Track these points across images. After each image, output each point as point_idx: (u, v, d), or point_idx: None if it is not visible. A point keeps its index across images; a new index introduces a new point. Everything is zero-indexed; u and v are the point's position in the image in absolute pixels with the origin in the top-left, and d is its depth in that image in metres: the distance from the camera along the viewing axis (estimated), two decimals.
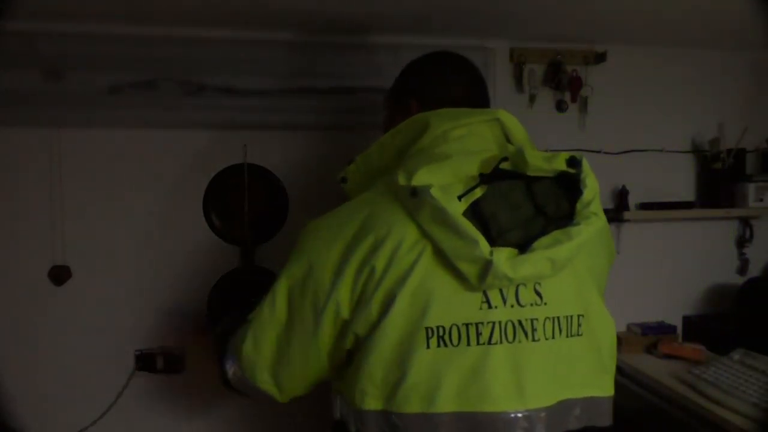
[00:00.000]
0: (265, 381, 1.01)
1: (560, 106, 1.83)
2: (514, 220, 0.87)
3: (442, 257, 0.86)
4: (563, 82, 1.80)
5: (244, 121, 1.65)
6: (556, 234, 0.86)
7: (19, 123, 1.56)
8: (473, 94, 1.10)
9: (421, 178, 0.87)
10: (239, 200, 1.67)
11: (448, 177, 0.88)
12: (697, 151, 1.95)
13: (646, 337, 1.83)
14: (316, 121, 1.68)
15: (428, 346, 0.86)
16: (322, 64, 1.66)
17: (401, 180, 0.89)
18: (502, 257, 0.83)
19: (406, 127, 1.02)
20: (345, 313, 0.91)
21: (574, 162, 0.89)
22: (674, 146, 1.93)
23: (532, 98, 1.79)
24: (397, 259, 0.87)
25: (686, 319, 1.96)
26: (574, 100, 1.83)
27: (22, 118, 1.56)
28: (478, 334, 0.87)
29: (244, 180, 1.67)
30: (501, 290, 0.88)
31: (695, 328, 1.93)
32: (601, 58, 1.81)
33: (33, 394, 1.58)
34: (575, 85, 1.81)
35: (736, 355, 1.60)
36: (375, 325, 0.88)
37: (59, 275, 1.60)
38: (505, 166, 0.89)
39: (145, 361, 1.64)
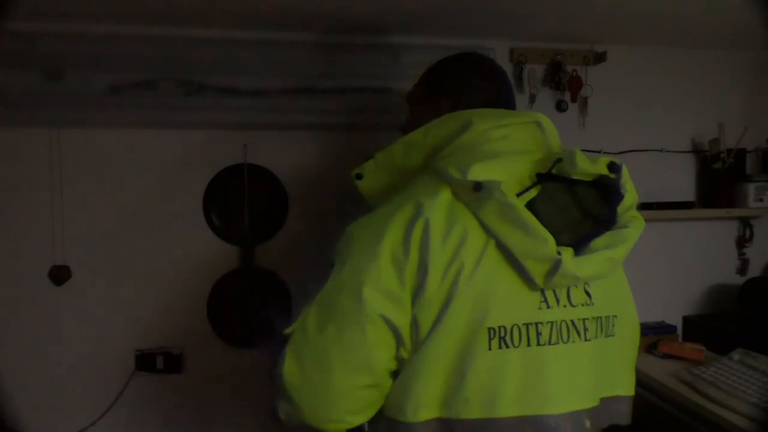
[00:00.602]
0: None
1: (560, 106, 1.83)
2: (564, 221, 0.88)
3: (505, 254, 0.85)
4: (563, 82, 1.80)
5: (244, 121, 1.65)
6: (609, 236, 0.88)
7: (19, 123, 1.56)
8: (503, 96, 1.10)
9: (477, 173, 0.85)
10: (239, 200, 1.68)
11: (503, 174, 0.87)
12: (697, 151, 1.95)
13: (646, 337, 1.83)
14: (316, 121, 1.68)
15: (490, 348, 0.84)
16: (322, 64, 1.66)
17: (455, 174, 0.87)
18: (569, 256, 0.84)
19: (443, 124, 0.99)
20: (401, 316, 0.86)
21: (615, 167, 0.90)
22: (674, 146, 1.94)
23: (532, 98, 1.79)
24: (461, 255, 0.84)
25: (686, 319, 1.96)
26: (574, 100, 1.83)
27: (22, 118, 1.55)
28: (538, 335, 0.87)
29: (244, 180, 1.67)
30: (554, 290, 0.88)
31: (695, 328, 1.93)
32: (601, 58, 1.81)
33: (33, 394, 1.58)
34: (575, 85, 1.81)
35: (736, 355, 1.60)
36: (433, 327, 0.85)
37: (59, 275, 1.60)
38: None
39: (145, 361, 1.65)
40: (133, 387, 1.65)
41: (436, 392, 0.86)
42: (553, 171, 0.89)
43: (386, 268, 0.86)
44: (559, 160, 0.89)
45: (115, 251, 1.64)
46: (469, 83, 1.09)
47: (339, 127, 1.71)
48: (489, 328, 0.84)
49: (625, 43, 1.83)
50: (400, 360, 0.88)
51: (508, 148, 0.94)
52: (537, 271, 0.84)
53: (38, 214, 1.59)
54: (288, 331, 0.92)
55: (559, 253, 0.82)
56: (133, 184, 1.64)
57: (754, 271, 2.01)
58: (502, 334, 0.85)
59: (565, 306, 0.89)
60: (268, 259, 1.71)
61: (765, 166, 1.95)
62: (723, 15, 1.55)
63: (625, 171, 0.91)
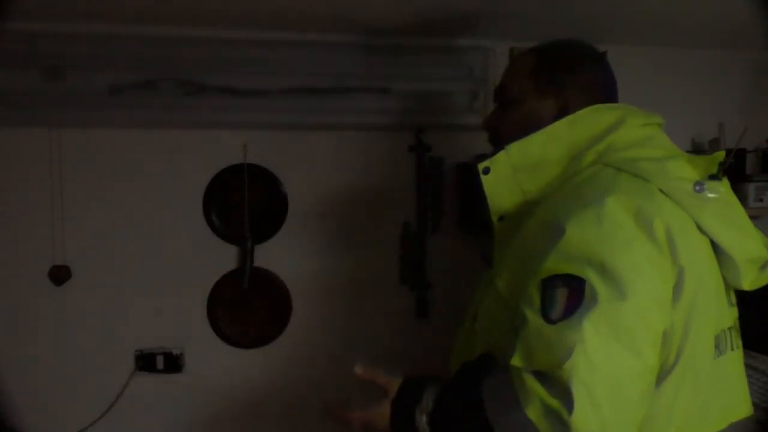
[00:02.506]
0: None
1: None
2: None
3: (718, 254, 0.83)
4: None
5: (244, 121, 1.65)
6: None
7: (19, 123, 1.56)
8: (617, 89, 1.07)
9: (677, 173, 0.84)
10: (239, 200, 1.67)
11: (694, 174, 0.85)
12: (697, 151, 1.95)
13: None
14: (317, 121, 1.68)
15: (714, 357, 0.81)
16: (322, 64, 1.66)
17: (677, 172, 0.85)
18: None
19: (592, 117, 0.94)
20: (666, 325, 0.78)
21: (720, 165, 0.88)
22: None
23: None
24: (694, 256, 0.80)
25: None
26: None
27: (22, 118, 1.55)
28: (731, 340, 0.85)
29: (244, 180, 1.67)
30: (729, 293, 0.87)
31: None
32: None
33: (33, 394, 1.58)
34: None
35: None
36: (685, 335, 0.78)
37: (59, 275, 1.60)
38: None
39: (145, 361, 1.65)
40: (133, 387, 1.65)
41: (683, 414, 0.80)
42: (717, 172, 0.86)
43: (654, 276, 0.78)
44: (723, 161, 0.86)
45: (115, 251, 1.64)
46: (605, 78, 1.05)
47: (339, 127, 1.71)
48: (716, 336, 0.82)
49: (625, 43, 1.83)
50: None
51: (668, 148, 0.93)
52: (748, 272, 0.82)
53: (38, 214, 1.59)
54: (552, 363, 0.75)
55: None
56: (133, 184, 1.64)
57: None
58: (717, 342, 0.82)
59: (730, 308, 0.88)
60: (268, 259, 1.70)
61: (765, 166, 1.95)
62: (723, 15, 1.55)
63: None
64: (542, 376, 0.76)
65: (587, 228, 0.80)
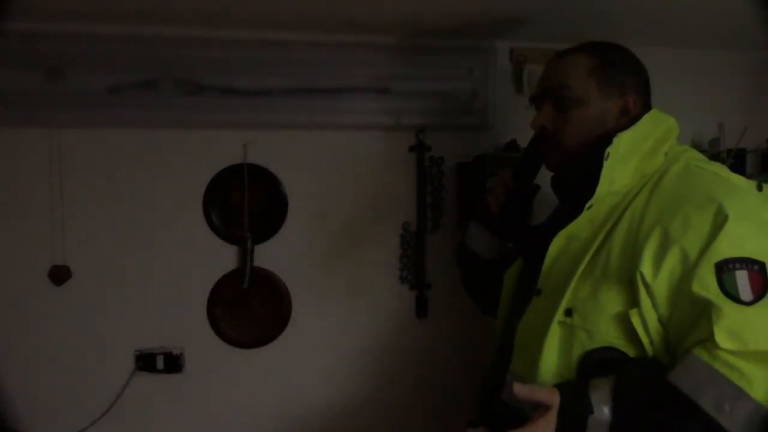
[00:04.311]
0: None
1: None
2: None
3: None
4: None
5: (244, 121, 1.65)
6: None
7: (19, 123, 1.56)
8: None
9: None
10: (239, 200, 1.67)
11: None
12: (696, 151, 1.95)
13: None
14: (317, 121, 1.68)
15: None
16: (323, 63, 1.66)
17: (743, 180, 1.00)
18: None
19: (658, 118, 1.07)
20: None
21: None
22: None
23: None
24: None
25: None
26: None
27: (22, 118, 1.55)
28: None
29: (244, 180, 1.67)
30: None
31: None
32: None
33: (33, 395, 1.58)
34: None
35: None
36: None
37: (59, 275, 1.60)
38: None
39: (145, 361, 1.65)
40: (133, 387, 1.65)
41: None
42: None
43: None
44: None
45: (115, 251, 1.64)
46: (647, 81, 1.12)
47: (339, 127, 1.71)
48: None
49: (625, 43, 1.82)
50: None
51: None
52: None
53: (38, 214, 1.59)
54: None
55: None
56: (133, 184, 1.64)
57: None
58: None
59: None
60: (268, 259, 1.70)
61: (765, 166, 1.95)
62: (723, 15, 1.55)
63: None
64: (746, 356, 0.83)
65: (751, 213, 0.91)
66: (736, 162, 1.88)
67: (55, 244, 1.60)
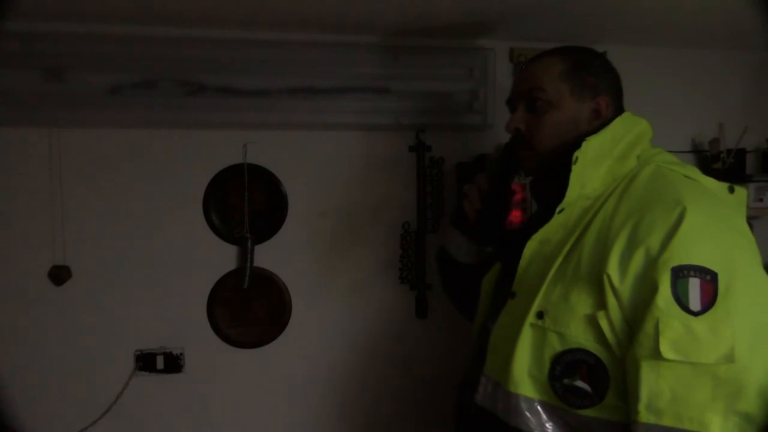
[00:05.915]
0: None
1: None
2: None
3: None
4: None
5: (244, 121, 1.65)
6: None
7: (19, 123, 1.56)
8: None
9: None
10: (239, 200, 1.68)
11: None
12: (696, 151, 1.95)
13: None
14: (317, 121, 1.68)
15: None
16: (323, 63, 1.66)
17: (716, 183, 1.04)
18: None
19: (630, 122, 1.08)
20: None
21: None
22: (674, 146, 1.93)
23: None
24: None
25: None
26: None
27: (22, 118, 1.55)
28: None
29: (244, 180, 1.67)
30: None
31: None
32: None
33: (33, 394, 1.58)
34: None
35: None
36: None
37: (59, 275, 1.60)
38: None
39: (145, 361, 1.65)
40: (133, 387, 1.65)
41: None
42: None
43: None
44: None
45: (115, 251, 1.64)
46: (620, 84, 1.14)
47: (339, 127, 1.71)
48: None
49: (625, 43, 1.83)
50: None
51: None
52: None
53: (38, 214, 1.59)
54: None
55: None
56: (133, 184, 1.64)
57: None
58: None
59: None
60: (268, 259, 1.71)
61: (765, 166, 1.95)
62: (722, 15, 1.55)
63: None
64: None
65: (715, 220, 0.92)
66: (736, 162, 1.88)
67: (55, 244, 1.60)
